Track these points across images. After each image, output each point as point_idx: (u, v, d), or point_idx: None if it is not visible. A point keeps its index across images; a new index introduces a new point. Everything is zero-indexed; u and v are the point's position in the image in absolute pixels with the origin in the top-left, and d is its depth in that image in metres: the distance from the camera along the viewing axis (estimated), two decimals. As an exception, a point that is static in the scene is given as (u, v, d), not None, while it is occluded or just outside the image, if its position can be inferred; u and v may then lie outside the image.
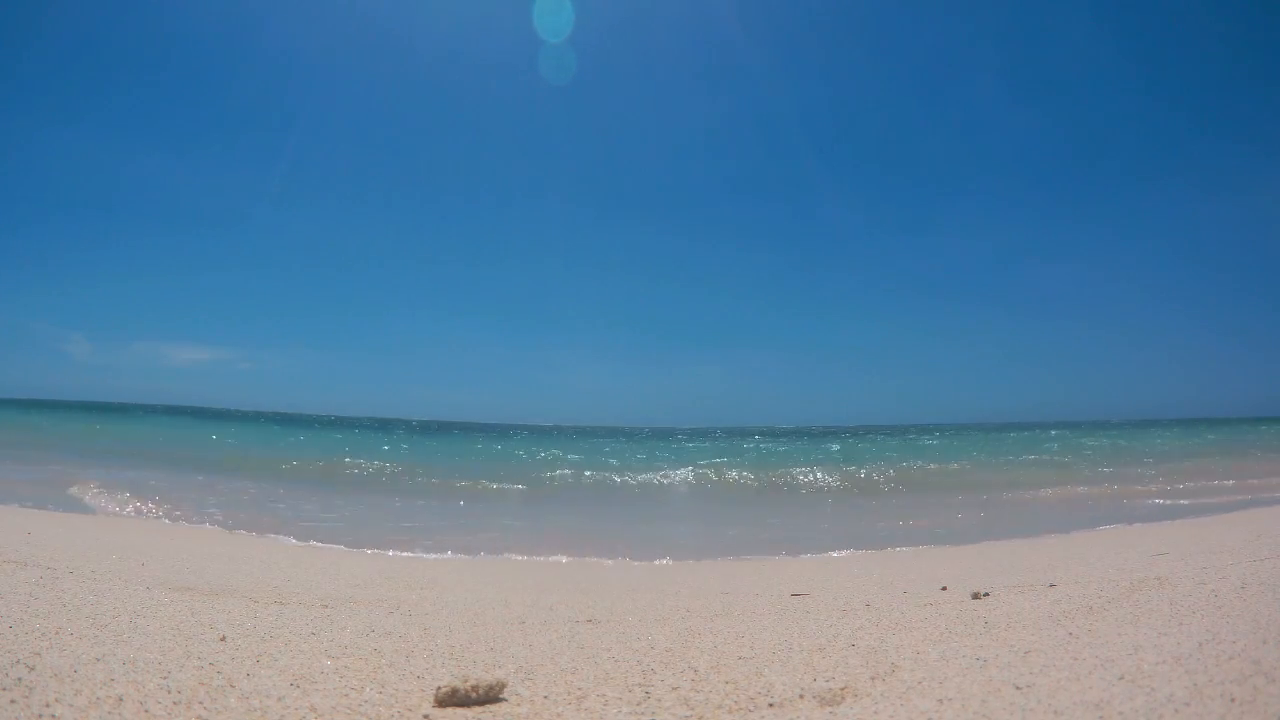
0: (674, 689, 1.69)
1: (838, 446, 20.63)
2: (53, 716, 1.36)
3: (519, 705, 1.57)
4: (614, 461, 16.03)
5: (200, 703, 1.48)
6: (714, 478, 13.27)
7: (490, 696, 1.58)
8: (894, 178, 55.37)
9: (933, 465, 14.98)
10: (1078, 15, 44.70)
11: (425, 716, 1.49)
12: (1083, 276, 51.07)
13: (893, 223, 55.43)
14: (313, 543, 5.52)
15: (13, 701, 1.39)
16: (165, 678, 1.61)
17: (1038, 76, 49.98)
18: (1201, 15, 43.32)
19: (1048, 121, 50.04)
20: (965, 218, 52.44)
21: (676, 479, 13.00)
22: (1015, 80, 48.26)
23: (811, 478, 13.30)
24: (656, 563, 5.24)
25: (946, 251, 54.10)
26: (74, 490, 8.72)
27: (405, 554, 5.16)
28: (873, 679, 1.70)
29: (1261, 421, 28.46)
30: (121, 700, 1.46)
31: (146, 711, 1.42)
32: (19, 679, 1.50)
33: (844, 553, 5.58)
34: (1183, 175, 48.04)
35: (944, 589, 3.04)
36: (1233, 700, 1.33)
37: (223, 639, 2.01)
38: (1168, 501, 8.89)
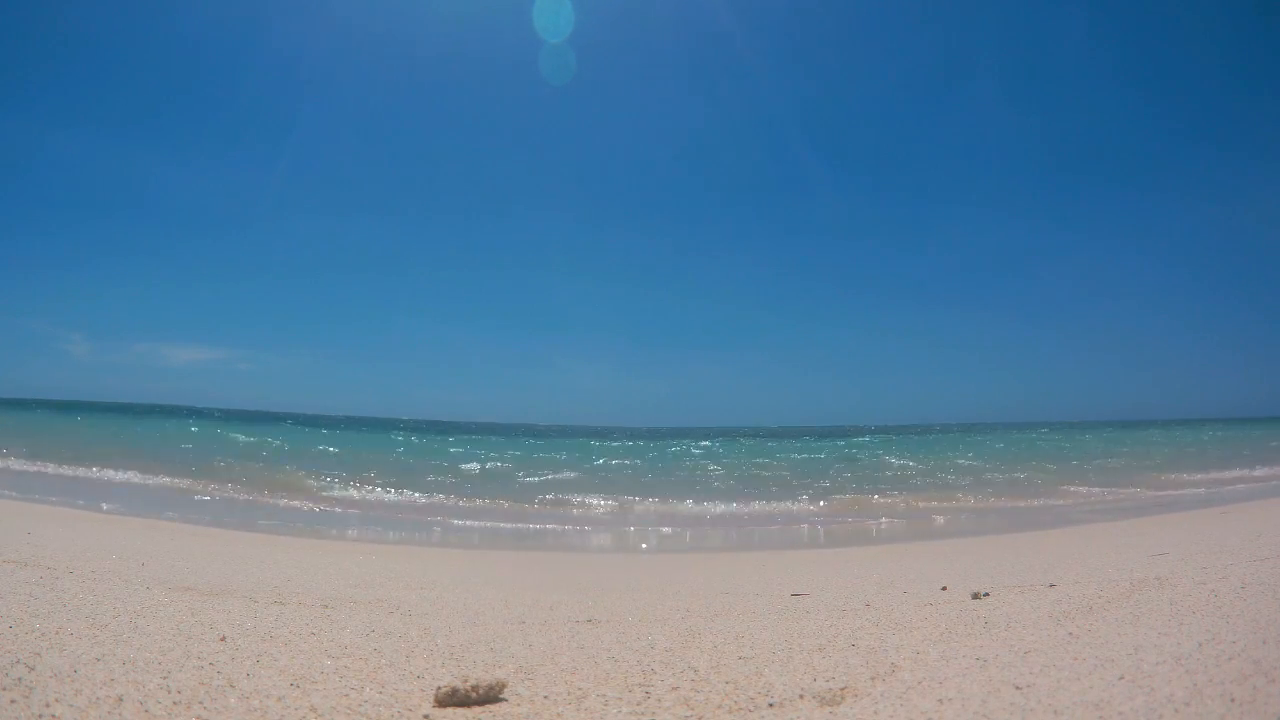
0: (674, 689, 1.69)
1: (835, 446, 20.68)
2: (53, 716, 1.35)
3: (519, 705, 1.57)
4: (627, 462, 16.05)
5: (200, 703, 1.48)
6: (712, 475, 13.28)
7: (490, 696, 1.58)
8: (889, 181, 55.50)
9: (926, 465, 14.99)
10: (1069, 23, 44.84)
11: (425, 716, 1.49)
12: (1073, 281, 51.36)
13: (887, 226, 55.55)
14: (313, 542, 5.52)
15: (13, 701, 1.39)
16: (165, 678, 1.61)
17: (1029, 83, 50.11)
18: (1192, 23, 43.48)
19: (1039, 127, 50.20)
20: (956, 223, 52.64)
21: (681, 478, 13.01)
22: (1007, 86, 48.40)
23: (811, 477, 13.31)
24: (656, 557, 5.24)
25: (939, 256, 54.26)
26: (74, 490, 8.72)
27: (405, 552, 5.16)
28: (873, 679, 1.70)
29: (1253, 422, 28.52)
30: (121, 700, 1.46)
31: (146, 711, 1.42)
32: (19, 679, 1.50)
33: (844, 552, 5.58)
34: (1171, 181, 48.31)
35: (944, 589, 3.04)
36: (1233, 700, 1.33)
37: (223, 639, 2.01)
38: (1165, 499, 8.90)
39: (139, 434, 18.45)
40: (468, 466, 14.25)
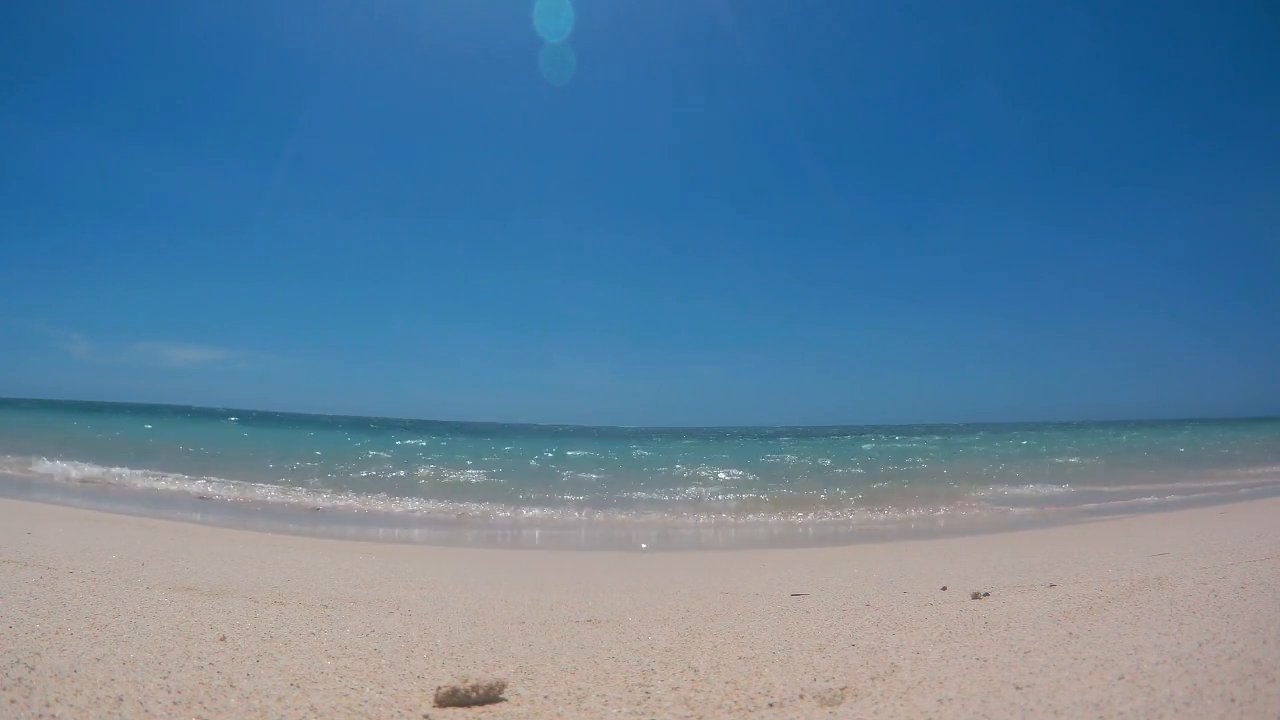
0: (674, 689, 1.69)
1: (830, 445, 20.68)
2: (53, 716, 1.35)
3: (519, 705, 1.57)
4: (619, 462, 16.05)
5: (200, 703, 1.48)
6: (713, 476, 13.29)
7: (490, 696, 1.58)
8: (889, 182, 55.58)
9: (925, 465, 15.00)
10: (1069, 23, 44.90)
11: (425, 716, 1.49)
12: (1073, 281, 51.45)
13: (887, 226, 55.61)
14: (313, 541, 5.52)
15: (13, 701, 1.39)
16: (165, 678, 1.61)
17: (1029, 83, 50.15)
18: (1192, 23, 43.51)
19: (1039, 127, 50.24)
20: (956, 223, 52.71)
21: (681, 479, 13.02)
22: (1007, 86, 48.44)
23: (809, 476, 13.31)
24: (657, 556, 5.24)
25: (939, 256, 54.34)
26: (74, 490, 8.72)
27: (405, 552, 5.16)
28: (873, 679, 1.70)
29: (1253, 422, 28.56)
30: (121, 700, 1.45)
31: (146, 711, 1.42)
32: (19, 679, 1.50)
33: (844, 551, 5.58)
34: (1171, 181, 48.38)
35: (944, 589, 3.04)
36: (1233, 700, 1.33)
37: (223, 639, 2.01)
38: (1163, 498, 8.90)
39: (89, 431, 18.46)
40: (306, 463, 14.00)
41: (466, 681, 1.58)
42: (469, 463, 14.76)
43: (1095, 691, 1.44)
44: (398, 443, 19.55)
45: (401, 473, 12.97)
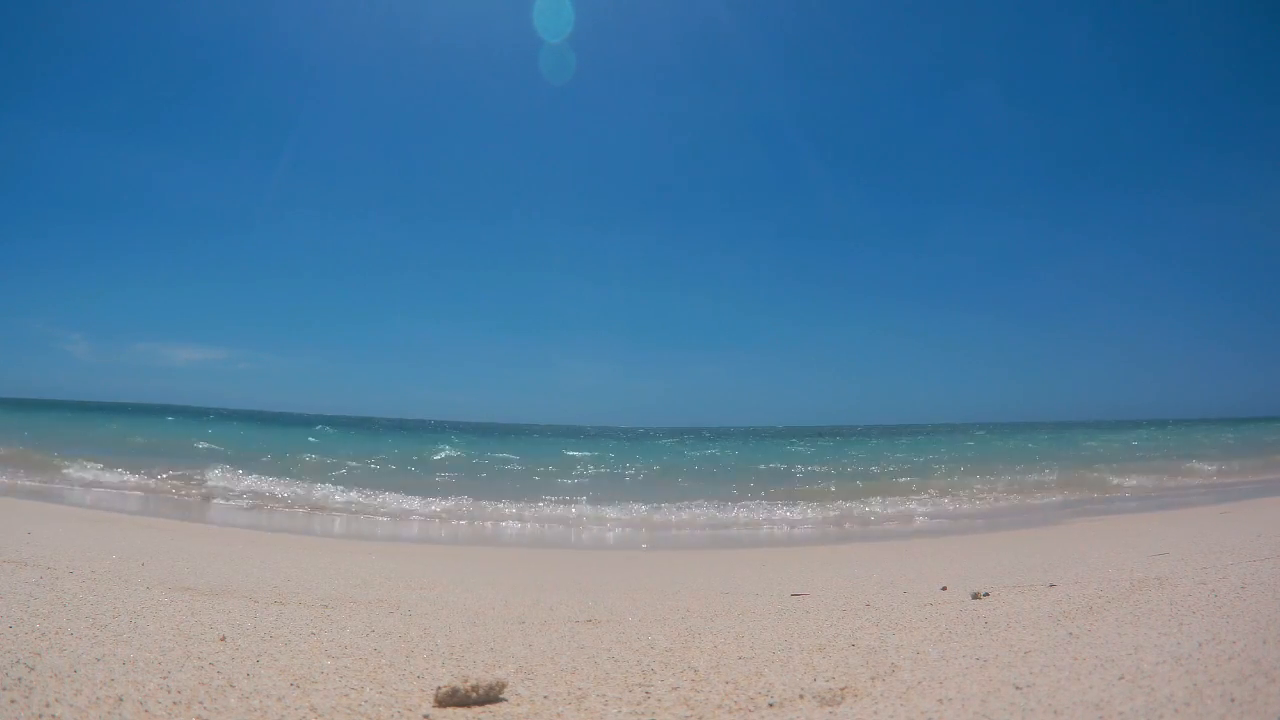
0: (674, 689, 1.69)
1: (832, 444, 20.66)
2: (53, 716, 1.35)
3: (519, 705, 1.57)
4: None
5: (200, 703, 1.48)
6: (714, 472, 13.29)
7: (490, 696, 1.58)
8: (889, 181, 55.56)
9: (920, 464, 14.99)
10: (1069, 24, 44.90)
11: (425, 716, 1.49)
12: (1073, 281, 51.51)
13: (887, 226, 55.61)
14: (313, 541, 5.52)
15: (13, 701, 1.39)
16: (165, 678, 1.61)
17: (1029, 83, 50.16)
18: (1192, 24, 43.49)
19: (1039, 128, 50.24)
20: (956, 223, 52.72)
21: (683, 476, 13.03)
22: (1007, 87, 48.39)
23: (810, 476, 13.32)
24: (657, 556, 5.25)
25: (938, 256, 54.37)
26: (74, 490, 8.72)
27: (405, 552, 5.16)
28: (873, 679, 1.70)
29: (1253, 422, 28.58)
30: (121, 700, 1.46)
31: (146, 711, 1.42)
32: (19, 679, 1.50)
33: (844, 551, 5.58)
34: (1171, 182, 48.43)
35: (944, 589, 3.05)
36: (1233, 700, 1.33)
37: (223, 639, 2.01)
38: (1163, 498, 8.90)
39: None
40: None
41: (466, 681, 1.58)
42: (350, 456, 14.58)
43: (1095, 691, 1.44)
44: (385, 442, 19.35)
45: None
